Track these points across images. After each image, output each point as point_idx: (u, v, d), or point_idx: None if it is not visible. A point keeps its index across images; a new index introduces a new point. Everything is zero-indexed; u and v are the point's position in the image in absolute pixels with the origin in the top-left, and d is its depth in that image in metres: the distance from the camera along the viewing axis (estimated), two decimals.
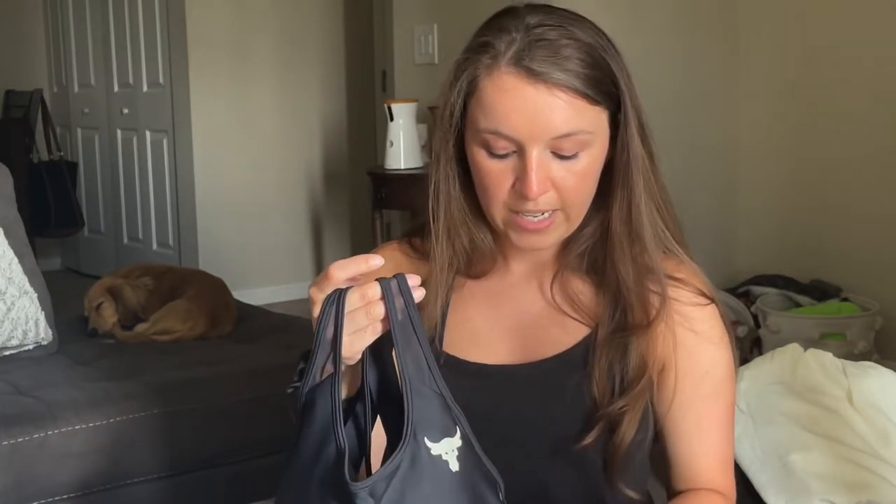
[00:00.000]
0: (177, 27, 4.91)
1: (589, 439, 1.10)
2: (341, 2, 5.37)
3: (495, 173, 1.08)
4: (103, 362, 2.47)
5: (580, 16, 1.10)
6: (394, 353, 0.95)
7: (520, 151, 1.06)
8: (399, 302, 0.95)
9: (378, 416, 1.00)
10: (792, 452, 1.64)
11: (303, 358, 0.99)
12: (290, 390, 0.98)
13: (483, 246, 1.17)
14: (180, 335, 2.70)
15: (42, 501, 2.05)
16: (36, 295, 2.49)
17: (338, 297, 0.94)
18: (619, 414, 1.10)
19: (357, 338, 0.94)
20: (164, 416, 2.17)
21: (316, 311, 0.95)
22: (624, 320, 1.13)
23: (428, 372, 0.95)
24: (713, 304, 1.15)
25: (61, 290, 3.00)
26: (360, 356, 0.96)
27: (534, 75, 1.04)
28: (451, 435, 0.94)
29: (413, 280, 0.96)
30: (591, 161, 1.09)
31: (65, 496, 2.07)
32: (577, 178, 1.08)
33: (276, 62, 5.15)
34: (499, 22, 1.09)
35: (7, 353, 2.46)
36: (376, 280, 0.95)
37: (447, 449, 0.93)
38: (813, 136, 3.61)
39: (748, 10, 3.75)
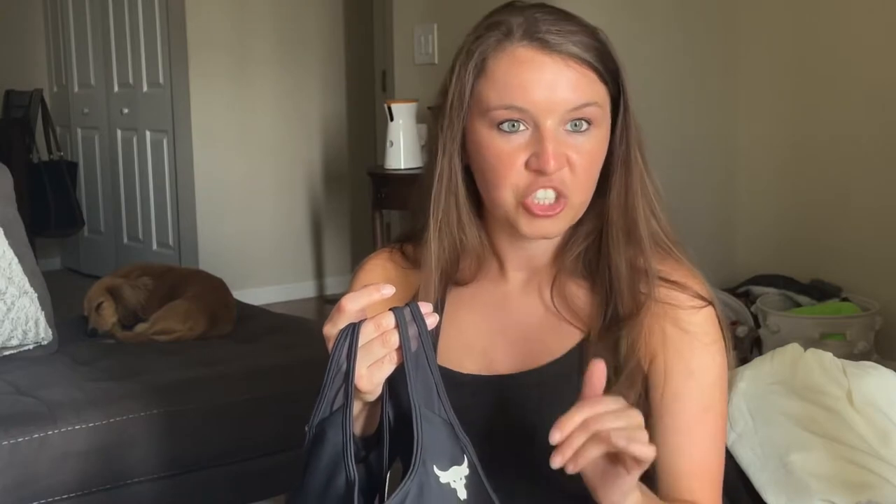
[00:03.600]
0: (177, 27, 4.91)
1: None
2: (341, 2, 5.37)
3: (507, 153, 1.07)
4: (103, 362, 2.47)
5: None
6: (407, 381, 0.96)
7: (534, 126, 1.06)
8: (412, 330, 0.95)
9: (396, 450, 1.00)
10: (792, 452, 1.64)
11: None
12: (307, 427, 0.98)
13: (471, 247, 1.16)
14: (180, 335, 2.70)
15: (42, 501, 2.05)
16: (36, 295, 2.49)
17: (352, 330, 0.94)
18: None
19: (376, 369, 0.94)
20: (164, 416, 2.17)
21: (330, 346, 0.95)
22: (615, 315, 1.12)
23: (437, 400, 0.96)
24: (710, 307, 1.14)
25: (61, 290, 3.00)
26: (380, 389, 0.96)
27: (548, 46, 1.05)
28: (460, 463, 0.94)
29: (425, 307, 0.96)
30: (598, 143, 1.09)
31: (65, 496, 2.07)
32: (587, 159, 1.08)
33: (276, 62, 5.15)
34: (501, 11, 1.10)
35: (7, 353, 2.46)
36: (390, 309, 0.95)
37: (455, 477, 0.93)
38: (813, 135, 3.61)
39: (748, 7, 3.74)
